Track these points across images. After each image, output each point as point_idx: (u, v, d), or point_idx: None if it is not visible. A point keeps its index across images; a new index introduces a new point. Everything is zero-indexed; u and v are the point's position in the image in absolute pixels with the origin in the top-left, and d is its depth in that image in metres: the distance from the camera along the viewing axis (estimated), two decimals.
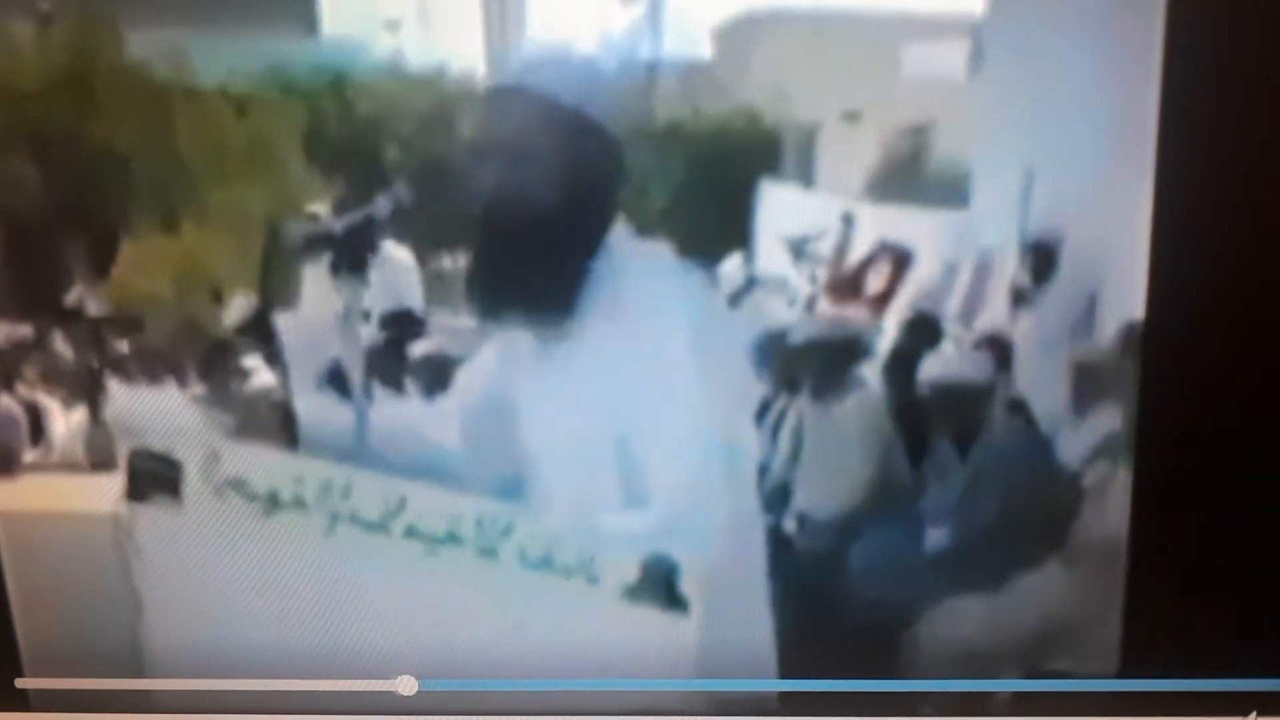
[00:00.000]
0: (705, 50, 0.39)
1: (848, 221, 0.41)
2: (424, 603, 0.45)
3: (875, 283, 0.41)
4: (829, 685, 0.46)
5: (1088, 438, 0.43)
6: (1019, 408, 0.43)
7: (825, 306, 0.42)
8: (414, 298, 0.42)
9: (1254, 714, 0.46)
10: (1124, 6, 0.39)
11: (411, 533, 0.44)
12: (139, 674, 0.46)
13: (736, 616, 0.45)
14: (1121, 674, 0.45)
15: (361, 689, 0.46)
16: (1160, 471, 0.43)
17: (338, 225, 0.41)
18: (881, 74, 0.39)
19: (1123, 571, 0.44)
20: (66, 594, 0.45)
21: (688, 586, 0.45)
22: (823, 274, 0.41)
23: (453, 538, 0.44)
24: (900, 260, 0.41)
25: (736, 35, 0.39)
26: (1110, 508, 0.43)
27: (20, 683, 0.46)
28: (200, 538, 0.44)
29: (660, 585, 0.45)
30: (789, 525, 0.44)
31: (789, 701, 0.46)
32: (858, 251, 0.41)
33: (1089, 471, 0.43)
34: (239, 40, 0.39)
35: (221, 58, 0.39)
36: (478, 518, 0.44)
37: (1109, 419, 0.42)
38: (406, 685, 0.45)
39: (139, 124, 0.40)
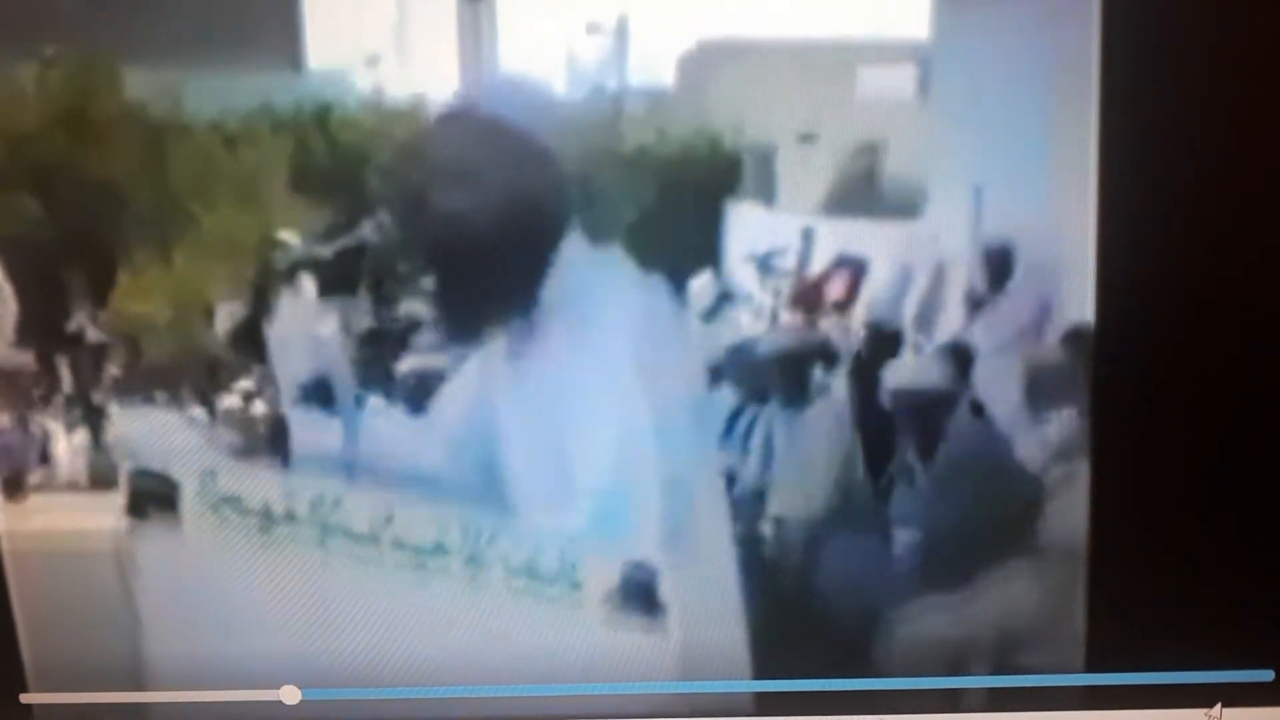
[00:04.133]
0: (668, 78, 0.42)
1: (808, 236, 0.43)
2: (412, 611, 0.47)
3: (835, 293, 0.43)
4: (805, 685, 0.47)
5: (1046, 438, 0.45)
6: (979, 410, 0.44)
7: (789, 318, 0.44)
8: (394, 316, 0.44)
9: (1219, 705, 0.47)
10: (1061, 25, 0.41)
11: (399, 544, 0.46)
12: (139, 687, 0.48)
13: (715, 620, 0.46)
14: (1089, 668, 0.47)
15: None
16: (1116, 469, 0.45)
17: (326, 250, 0.44)
18: (835, 97, 0.42)
19: (1084, 569, 0.46)
20: (69, 609, 0.47)
21: (666, 592, 0.46)
22: (786, 287, 0.43)
23: (440, 548, 0.46)
24: (858, 271, 0.43)
25: (697, 63, 0.42)
26: (1071, 506, 0.45)
27: (25, 698, 0.48)
28: (198, 552, 0.46)
29: (640, 591, 0.46)
30: (764, 530, 0.46)
31: (765, 702, 0.47)
32: (818, 264, 0.43)
33: (1049, 471, 0.45)
34: (229, 77, 0.42)
35: (213, 94, 0.42)
36: (463, 527, 0.46)
37: (1066, 419, 0.44)
38: (289, 694, 0.47)
39: (135, 159, 0.43)
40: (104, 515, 0.46)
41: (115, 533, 0.46)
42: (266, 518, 0.46)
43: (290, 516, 0.46)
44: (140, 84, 0.42)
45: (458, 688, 0.47)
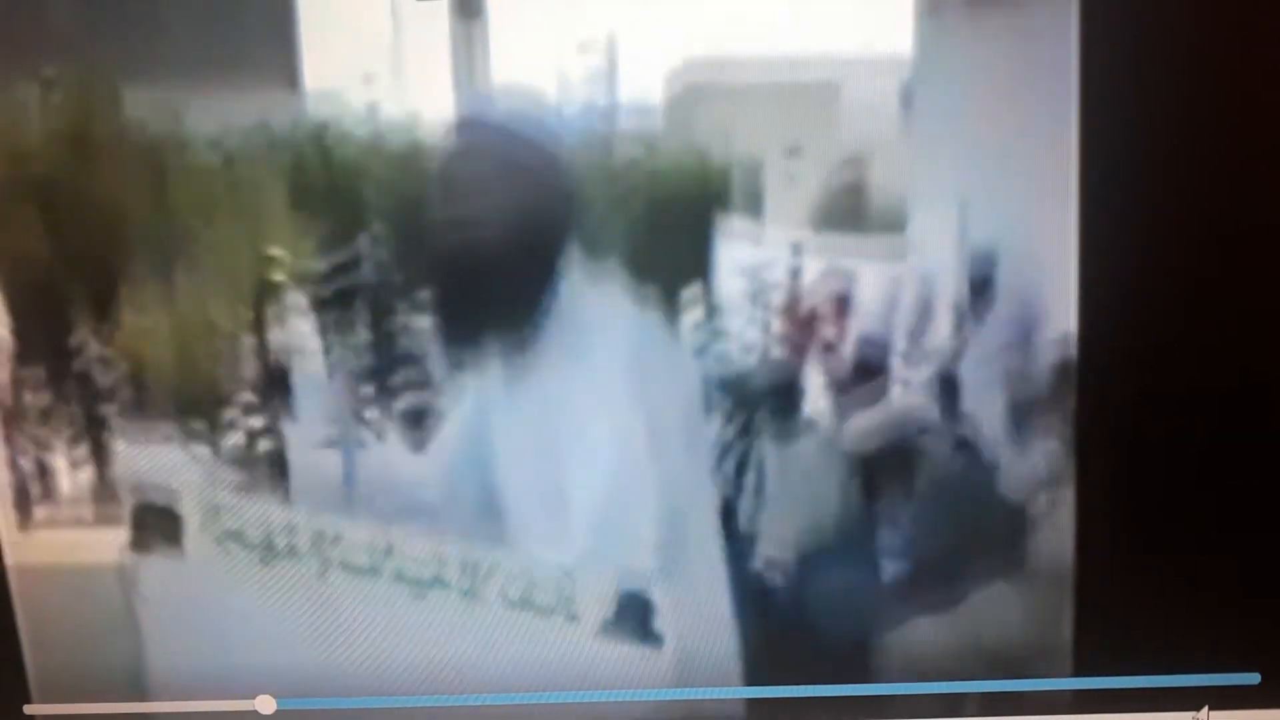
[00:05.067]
0: (657, 95, 0.42)
1: (796, 250, 0.44)
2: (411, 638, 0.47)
3: (825, 307, 0.44)
4: (795, 691, 0.48)
5: (1032, 449, 0.45)
6: (964, 436, 0.45)
7: (780, 332, 0.44)
8: (392, 345, 0.44)
9: (1206, 708, 0.47)
10: (1041, 39, 0.42)
11: (399, 576, 0.47)
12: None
13: (709, 647, 0.47)
14: (1077, 672, 0.47)
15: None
16: (1103, 476, 0.45)
17: (322, 265, 0.44)
18: (819, 113, 0.42)
19: (1072, 573, 0.46)
20: (74, 634, 0.48)
21: (662, 621, 0.47)
22: (776, 300, 0.44)
23: (438, 580, 0.47)
24: (846, 283, 0.44)
25: (684, 82, 0.42)
26: (1058, 522, 0.46)
27: (30, 709, 0.49)
28: (201, 585, 0.47)
29: (636, 621, 0.47)
30: (758, 558, 0.46)
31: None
32: (807, 277, 0.44)
33: (1034, 481, 0.45)
34: (227, 97, 0.43)
35: (211, 113, 0.43)
36: (461, 560, 0.46)
37: (1051, 428, 0.45)
38: (265, 704, 0.48)
39: (135, 178, 0.43)
40: (109, 549, 0.47)
41: (120, 565, 0.47)
42: (268, 550, 0.46)
43: (292, 550, 0.46)
44: (139, 104, 0.43)
45: (444, 697, 0.48)
